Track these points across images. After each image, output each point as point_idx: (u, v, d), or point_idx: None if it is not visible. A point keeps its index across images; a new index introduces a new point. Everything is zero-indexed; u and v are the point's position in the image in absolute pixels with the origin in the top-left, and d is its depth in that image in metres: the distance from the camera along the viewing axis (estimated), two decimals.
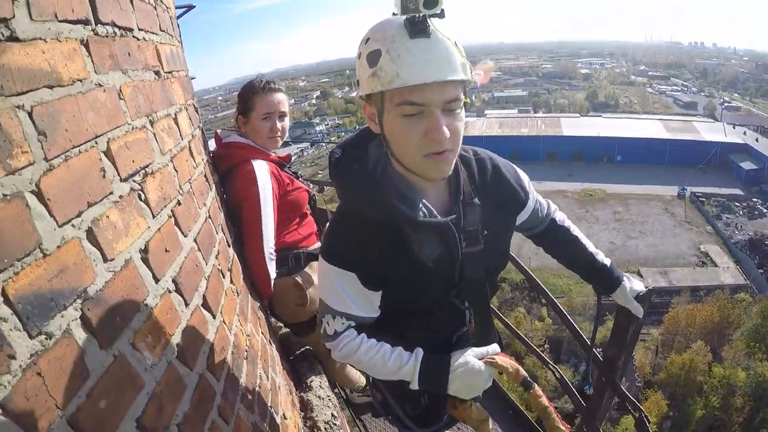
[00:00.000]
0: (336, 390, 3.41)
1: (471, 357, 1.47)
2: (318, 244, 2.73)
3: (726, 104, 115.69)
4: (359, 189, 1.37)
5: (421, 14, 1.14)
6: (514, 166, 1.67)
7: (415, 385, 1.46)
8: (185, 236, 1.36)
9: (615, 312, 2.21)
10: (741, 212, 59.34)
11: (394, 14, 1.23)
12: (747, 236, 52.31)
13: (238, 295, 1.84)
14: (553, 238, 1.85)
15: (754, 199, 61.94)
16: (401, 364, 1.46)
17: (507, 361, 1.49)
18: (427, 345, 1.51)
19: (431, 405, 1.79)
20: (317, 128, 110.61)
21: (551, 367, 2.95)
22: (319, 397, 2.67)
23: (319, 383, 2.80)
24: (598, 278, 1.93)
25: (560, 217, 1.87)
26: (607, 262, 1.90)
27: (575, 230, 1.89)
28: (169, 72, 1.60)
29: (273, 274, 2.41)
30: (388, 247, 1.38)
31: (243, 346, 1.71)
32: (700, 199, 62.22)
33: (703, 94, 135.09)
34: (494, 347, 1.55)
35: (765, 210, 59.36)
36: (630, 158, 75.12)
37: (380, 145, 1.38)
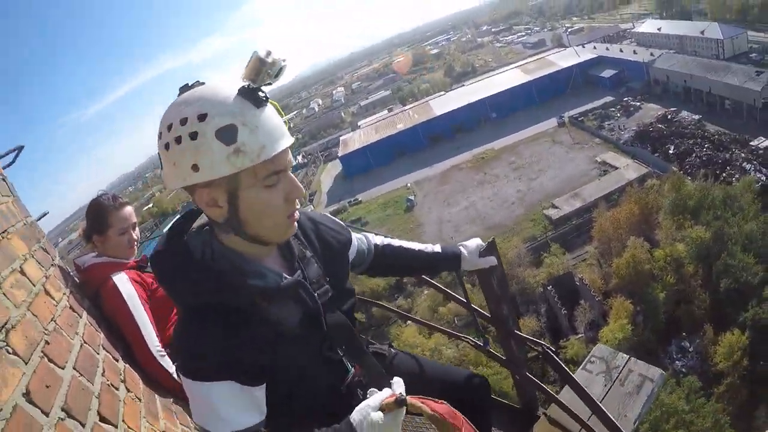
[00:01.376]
0: None
1: (368, 411, 1.32)
2: None
3: (569, 29, 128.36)
4: (198, 281, 1.32)
5: (257, 85, 1.23)
6: (325, 213, 1.81)
7: None
8: (63, 368, 1.46)
9: (476, 274, 2.33)
10: (618, 114, 67.58)
11: (219, 85, 1.27)
12: (632, 131, 59.25)
13: (140, 400, 1.95)
14: (383, 261, 1.98)
15: (625, 99, 71.26)
16: None
17: (395, 401, 1.32)
18: (322, 408, 1.51)
19: None
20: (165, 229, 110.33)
21: (462, 337, 3.14)
22: None
23: None
24: (441, 265, 2.15)
25: (379, 240, 2.03)
26: (437, 248, 2.11)
27: (396, 242, 2.07)
28: (3, 232, 1.73)
29: (171, 368, 2.47)
30: (250, 331, 1.33)
31: None
32: (579, 119, 69.26)
33: (546, 29, 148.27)
34: (397, 383, 1.39)
35: (637, 104, 68.17)
36: (504, 111, 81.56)
37: (199, 233, 1.43)
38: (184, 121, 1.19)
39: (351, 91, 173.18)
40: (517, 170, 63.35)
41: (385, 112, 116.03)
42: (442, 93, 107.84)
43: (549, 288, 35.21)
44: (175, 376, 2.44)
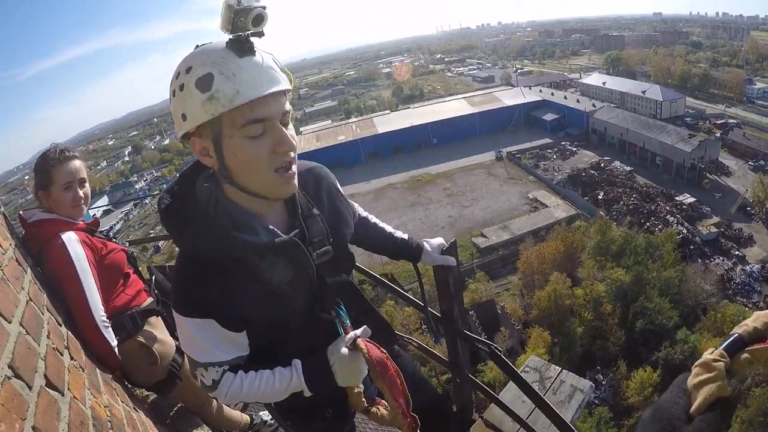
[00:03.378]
0: None
1: (340, 345, 1.56)
2: (149, 300, 2.82)
3: (519, 71, 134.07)
4: (196, 229, 1.39)
5: (246, 33, 1.25)
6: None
7: (308, 392, 1.57)
8: (9, 322, 1.44)
9: (433, 271, 2.46)
10: (554, 156, 70.84)
11: (202, 44, 1.33)
12: (566, 174, 62.28)
13: (83, 370, 1.89)
14: (363, 231, 2.05)
15: (563, 143, 74.81)
16: (287, 381, 1.55)
17: (366, 347, 1.56)
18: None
19: (336, 416, 1.88)
20: (137, 186, 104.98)
21: (406, 338, 3.09)
22: None
23: None
24: (404, 253, 2.25)
25: (361, 211, 2.11)
26: (405, 236, 2.25)
27: (373, 218, 2.18)
28: None
29: (114, 342, 2.41)
30: (238, 283, 1.41)
31: (104, 417, 1.75)
32: (517, 156, 71.78)
33: (497, 67, 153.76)
34: (364, 330, 1.61)
35: (574, 149, 71.75)
36: (445, 138, 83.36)
37: (208, 180, 1.46)
38: (177, 75, 1.30)
39: (298, 96, 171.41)
40: (450, 196, 64.62)
41: (329, 122, 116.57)
42: (388, 112, 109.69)
43: (471, 313, 35.02)
44: (116, 350, 2.40)
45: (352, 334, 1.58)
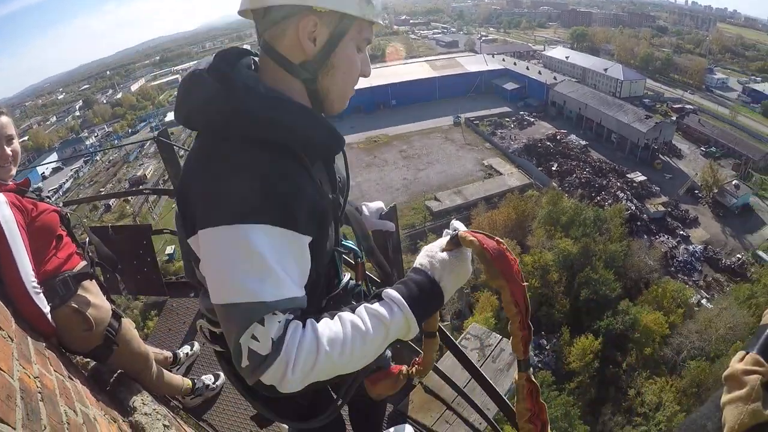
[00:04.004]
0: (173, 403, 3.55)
1: (433, 251, 1.34)
2: (83, 263, 2.69)
3: (483, 38, 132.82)
4: (295, 115, 1.24)
5: None
6: None
7: (415, 329, 1.25)
8: None
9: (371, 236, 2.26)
10: (512, 125, 71.41)
11: None
12: (522, 143, 62.96)
13: (12, 340, 1.81)
14: None
15: (521, 113, 75.34)
16: (384, 322, 1.20)
17: (476, 237, 1.29)
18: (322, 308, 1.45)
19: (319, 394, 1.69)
20: (87, 142, 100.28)
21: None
22: (146, 414, 2.70)
23: (141, 401, 2.80)
24: None
25: None
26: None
27: None
28: None
29: (46, 308, 2.33)
30: (306, 181, 1.25)
31: (33, 388, 1.66)
32: (475, 122, 71.88)
33: (462, 32, 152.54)
34: (460, 222, 1.44)
35: (532, 119, 72.54)
36: (404, 100, 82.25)
37: (247, 71, 1.36)
38: None
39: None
40: (406, 159, 64.74)
41: None
42: None
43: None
44: (49, 317, 2.34)
45: (452, 226, 1.39)
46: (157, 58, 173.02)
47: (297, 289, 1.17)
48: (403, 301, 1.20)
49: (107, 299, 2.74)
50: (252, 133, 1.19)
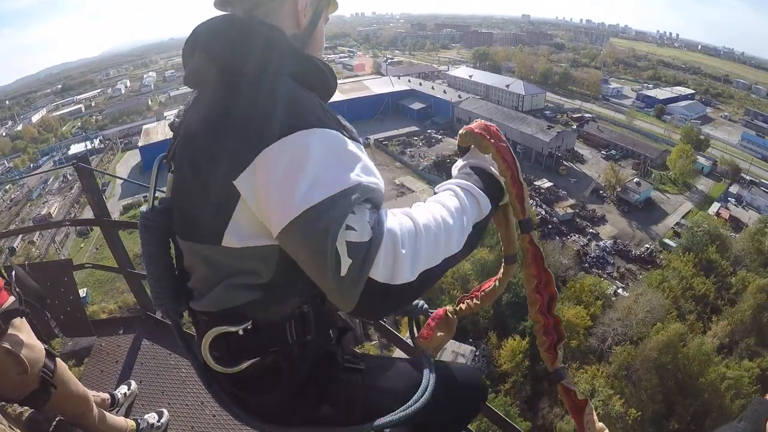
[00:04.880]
0: None
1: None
2: (11, 299, 2.46)
3: (389, 60, 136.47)
4: (323, 64, 1.32)
5: None
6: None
7: (487, 208, 1.30)
8: None
9: None
10: (421, 144, 72.90)
11: None
12: (431, 160, 64.47)
13: None
14: None
15: (429, 131, 77.20)
16: (461, 202, 1.25)
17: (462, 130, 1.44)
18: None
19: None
20: None
21: None
22: None
23: None
24: None
25: None
26: None
27: None
28: None
29: None
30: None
31: None
32: (384, 143, 72.66)
33: (368, 56, 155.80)
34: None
35: (439, 137, 74.42)
36: None
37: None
38: None
39: (163, 78, 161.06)
40: None
41: None
42: None
43: None
44: None
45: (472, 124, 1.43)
46: (60, 86, 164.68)
47: (372, 172, 1.11)
48: (474, 178, 1.34)
49: (39, 339, 2.47)
50: (291, 70, 1.20)
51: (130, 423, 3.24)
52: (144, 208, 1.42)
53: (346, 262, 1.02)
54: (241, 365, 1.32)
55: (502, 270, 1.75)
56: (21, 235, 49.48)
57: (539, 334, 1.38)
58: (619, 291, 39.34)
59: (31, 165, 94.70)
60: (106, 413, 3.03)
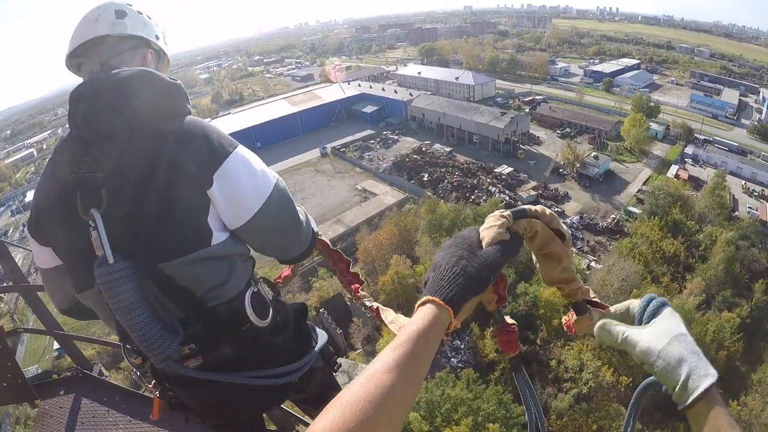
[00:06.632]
0: None
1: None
2: None
3: (338, 66, 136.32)
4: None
5: None
6: None
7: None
8: None
9: None
10: (378, 146, 72.92)
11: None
12: (390, 161, 64.35)
13: None
14: None
15: (384, 132, 77.45)
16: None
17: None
18: None
19: None
20: None
21: None
22: None
23: None
24: None
25: None
26: None
27: None
28: None
29: None
30: None
31: None
32: (341, 150, 72.33)
33: (316, 65, 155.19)
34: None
35: (395, 137, 74.99)
36: (269, 140, 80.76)
37: None
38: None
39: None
40: None
41: None
42: (208, 119, 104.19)
43: (322, 311, 36.06)
44: None
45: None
46: (8, 132, 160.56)
47: None
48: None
49: None
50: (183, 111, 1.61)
51: None
52: (100, 267, 1.42)
53: (302, 217, 1.85)
54: (269, 317, 1.76)
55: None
56: None
57: (347, 288, 2.14)
58: (592, 264, 39.83)
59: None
60: None
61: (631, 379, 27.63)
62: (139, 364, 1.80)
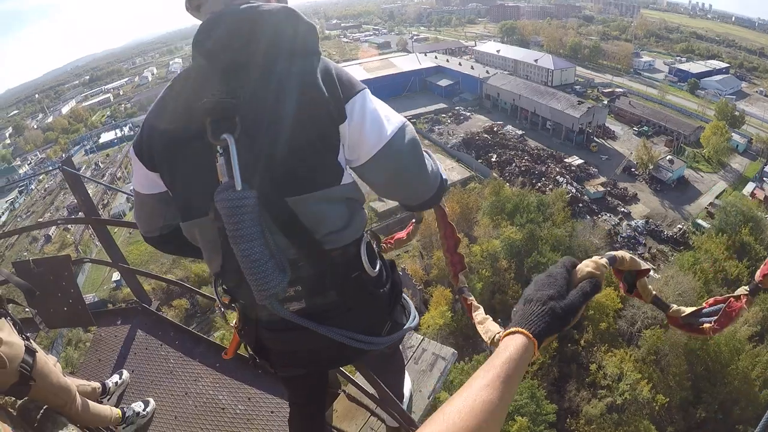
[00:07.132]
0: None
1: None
2: None
3: (415, 37, 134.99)
4: None
5: None
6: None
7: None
8: None
9: None
10: (449, 121, 72.40)
11: None
12: (460, 138, 64.02)
13: None
14: None
15: (457, 108, 76.56)
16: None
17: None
18: None
19: None
20: (21, 171, 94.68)
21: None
22: None
23: None
24: None
25: None
26: None
27: None
28: None
29: None
30: None
31: None
32: (412, 120, 71.54)
33: (393, 33, 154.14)
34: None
35: (468, 114, 73.92)
36: None
37: None
38: None
39: (189, 63, 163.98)
40: None
41: None
42: None
43: None
44: None
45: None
46: (87, 77, 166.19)
47: None
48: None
49: (20, 335, 2.71)
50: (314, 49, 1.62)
51: (116, 412, 3.46)
52: (224, 192, 1.43)
53: (429, 162, 1.78)
54: (377, 268, 1.90)
55: (411, 227, 2.89)
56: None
57: (448, 266, 2.11)
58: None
59: (63, 155, 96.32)
60: (91, 403, 3.22)
61: (668, 399, 27.22)
62: (226, 303, 1.89)
